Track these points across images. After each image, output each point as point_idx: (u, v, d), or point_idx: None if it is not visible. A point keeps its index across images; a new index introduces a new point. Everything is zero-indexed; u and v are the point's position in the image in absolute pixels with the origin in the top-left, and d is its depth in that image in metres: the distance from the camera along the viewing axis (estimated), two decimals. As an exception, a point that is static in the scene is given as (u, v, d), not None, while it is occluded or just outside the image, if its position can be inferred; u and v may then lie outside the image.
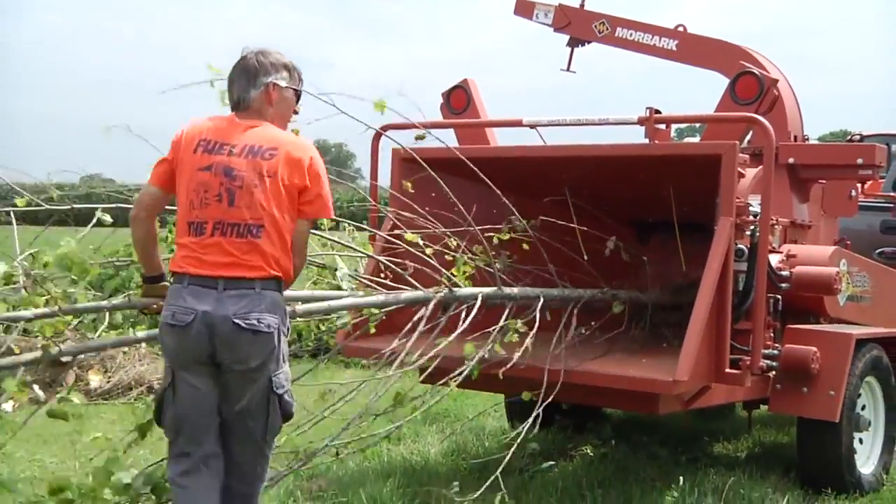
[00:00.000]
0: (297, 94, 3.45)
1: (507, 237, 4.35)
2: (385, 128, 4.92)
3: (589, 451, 5.76)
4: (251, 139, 3.24)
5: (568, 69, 7.60)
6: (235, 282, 3.14)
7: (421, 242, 4.10)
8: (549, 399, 3.99)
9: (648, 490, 4.99)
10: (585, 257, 4.69)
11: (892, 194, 8.54)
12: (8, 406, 3.13)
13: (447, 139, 4.86)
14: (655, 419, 6.36)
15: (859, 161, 5.63)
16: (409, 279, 4.05)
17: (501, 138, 6.29)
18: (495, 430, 6.25)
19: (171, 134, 3.35)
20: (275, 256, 3.19)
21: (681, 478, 4.94)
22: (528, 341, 4.07)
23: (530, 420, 3.94)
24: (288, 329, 3.31)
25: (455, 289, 4.11)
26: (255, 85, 3.31)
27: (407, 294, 4.00)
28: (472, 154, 4.37)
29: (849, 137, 9.96)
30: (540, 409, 3.96)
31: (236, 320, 3.10)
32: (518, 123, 5.18)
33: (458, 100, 6.56)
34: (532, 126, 5.04)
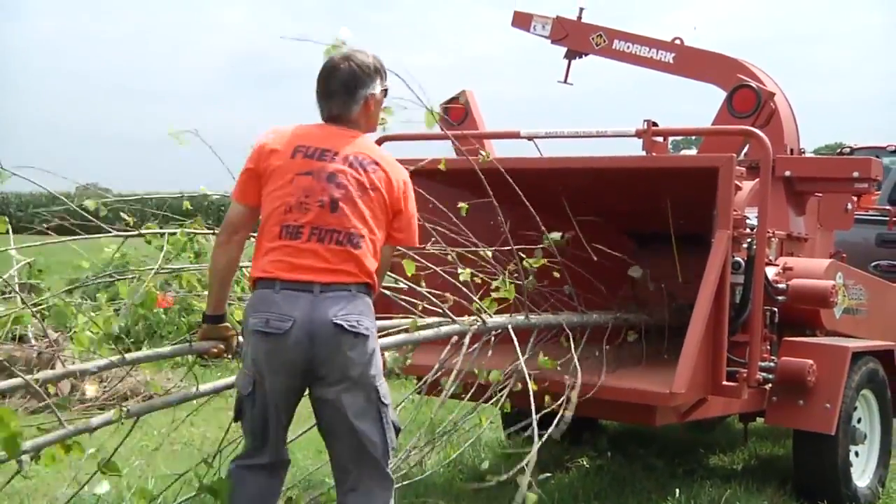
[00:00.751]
0: (385, 91, 3.34)
1: (539, 263, 4.33)
2: (384, 138, 4.92)
3: (585, 462, 5.75)
4: (352, 149, 3.15)
5: (565, 81, 7.62)
6: (330, 286, 3.01)
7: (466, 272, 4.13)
8: (566, 413, 4.01)
9: (644, 502, 4.98)
10: (592, 269, 4.72)
11: (887, 207, 8.57)
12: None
13: (444, 151, 4.86)
14: (652, 431, 6.36)
15: (855, 174, 5.65)
16: (448, 312, 4.07)
17: (499, 150, 6.30)
18: (492, 441, 6.23)
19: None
20: (368, 269, 3.08)
21: (677, 490, 4.94)
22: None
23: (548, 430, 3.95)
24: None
25: (487, 319, 4.16)
26: (355, 100, 3.20)
27: (447, 328, 4.03)
28: (470, 165, 4.37)
29: (839, 150, 10.02)
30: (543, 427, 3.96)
31: (337, 321, 2.96)
32: (516, 135, 5.19)
33: (456, 111, 6.57)
34: (530, 138, 5.05)
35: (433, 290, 4.10)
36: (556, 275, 4.43)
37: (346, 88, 3.19)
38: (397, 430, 3.17)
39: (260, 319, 3.00)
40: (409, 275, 4.01)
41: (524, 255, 4.25)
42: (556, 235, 4.31)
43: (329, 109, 3.22)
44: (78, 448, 3.08)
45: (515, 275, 4.23)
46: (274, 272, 3.02)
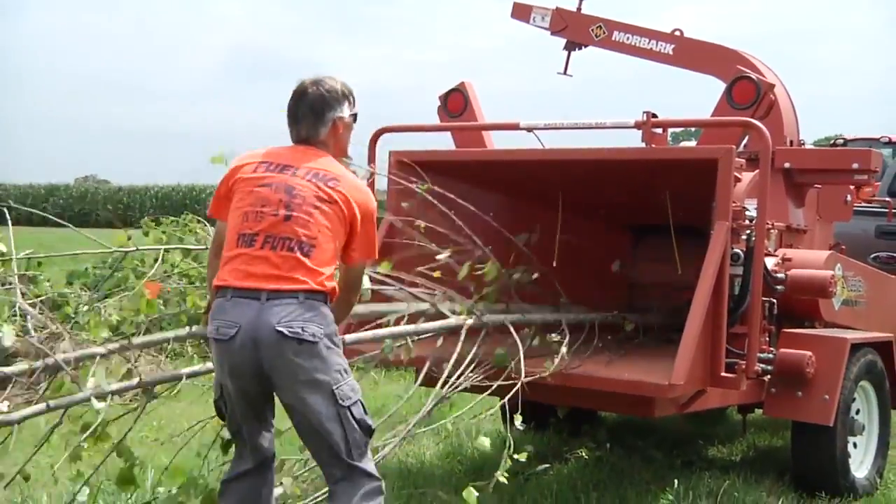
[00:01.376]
0: (355, 116, 3.45)
1: (525, 279, 4.45)
2: (383, 130, 4.93)
3: (584, 453, 5.76)
4: (315, 166, 3.25)
5: (565, 72, 7.61)
6: (278, 293, 3.08)
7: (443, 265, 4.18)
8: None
9: (643, 493, 4.99)
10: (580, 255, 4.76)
11: (886, 199, 8.57)
12: (3, 405, 3.12)
13: (444, 142, 4.87)
14: (650, 422, 6.37)
15: (855, 166, 5.65)
16: (442, 309, 4.13)
17: (498, 141, 6.29)
18: (490, 432, 6.24)
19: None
20: (318, 278, 3.13)
21: (675, 481, 4.95)
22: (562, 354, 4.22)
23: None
24: (339, 342, 3.23)
25: (482, 315, 4.22)
26: (322, 122, 3.32)
27: (441, 322, 4.09)
28: (468, 157, 4.38)
29: (832, 142, 10.00)
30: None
31: (279, 328, 3.03)
32: (515, 127, 5.17)
33: (456, 103, 6.56)
34: (529, 129, 5.04)
35: (426, 283, 4.14)
36: (537, 275, 4.52)
37: (313, 111, 3.32)
38: (366, 429, 3.21)
39: (213, 327, 3.15)
40: (386, 272, 4.07)
41: (499, 262, 4.34)
42: (522, 236, 4.48)
43: (298, 132, 3.35)
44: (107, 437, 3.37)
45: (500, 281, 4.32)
46: (228, 280, 3.14)
